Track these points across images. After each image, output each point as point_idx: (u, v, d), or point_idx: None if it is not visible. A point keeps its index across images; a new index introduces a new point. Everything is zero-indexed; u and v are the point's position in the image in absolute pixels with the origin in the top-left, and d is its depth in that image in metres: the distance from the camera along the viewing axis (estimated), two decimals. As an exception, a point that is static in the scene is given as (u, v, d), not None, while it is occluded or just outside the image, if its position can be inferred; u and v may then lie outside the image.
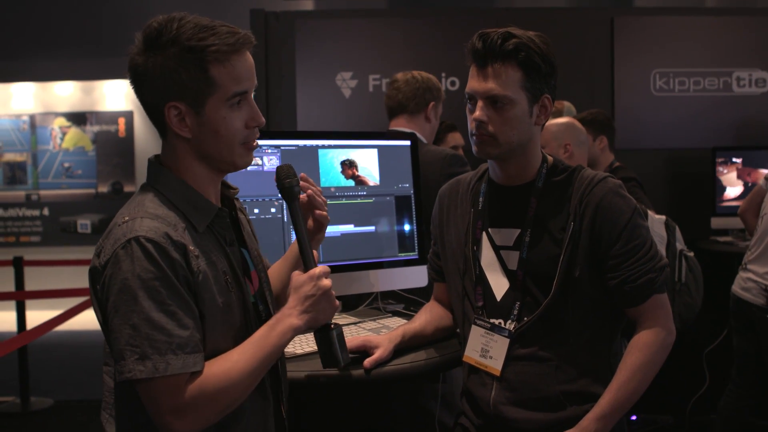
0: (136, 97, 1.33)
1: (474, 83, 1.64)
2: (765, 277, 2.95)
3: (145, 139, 7.60)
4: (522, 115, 1.63)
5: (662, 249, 2.68)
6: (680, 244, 2.76)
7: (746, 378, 3.13)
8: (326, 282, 1.37)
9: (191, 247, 1.26)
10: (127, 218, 1.25)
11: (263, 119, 1.36)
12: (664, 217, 2.77)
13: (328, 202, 2.08)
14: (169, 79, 1.26)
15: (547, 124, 2.85)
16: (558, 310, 1.63)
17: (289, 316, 1.34)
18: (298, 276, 1.38)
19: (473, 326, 1.72)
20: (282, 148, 2.06)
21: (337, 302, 1.41)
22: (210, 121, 1.29)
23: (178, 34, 1.25)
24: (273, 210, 2.03)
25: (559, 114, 3.40)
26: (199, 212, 1.32)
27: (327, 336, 1.40)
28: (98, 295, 1.25)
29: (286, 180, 1.47)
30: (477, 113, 1.63)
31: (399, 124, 2.84)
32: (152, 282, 1.19)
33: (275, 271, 1.67)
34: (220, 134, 1.30)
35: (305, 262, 1.43)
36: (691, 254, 2.78)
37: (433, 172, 2.51)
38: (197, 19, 1.27)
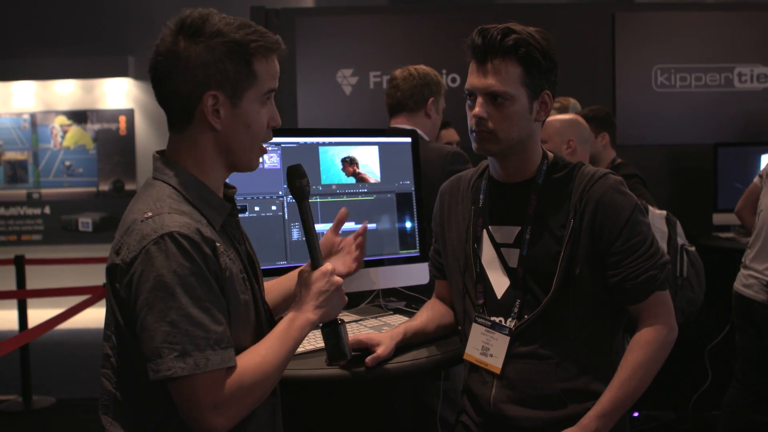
0: (160, 86, 1.31)
1: (473, 79, 1.63)
2: (765, 273, 2.96)
3: (146, 137, 7.60)
4: (522, 111, 1.62)
5: (663, 244, 2.67)
6: (681, 239, 2.76)
7: (750, 375, 3.13)
8: (338, 278, 1.42)
9: (218, 244, 1.27)
10: (150, 213, 1.24)
11: (280, 121, 1.39)
12: (665, 213, 2.77)
13: (330, 200, 2.10)
14: (212, 68, 1.27)
15: (550, 119, 2.86)
16: (558, 308, 1.62)
17: (305, 311, 1.38)
18: (309, 272, 1.42)
19: (474, 324, 1.72)
20: (282, 145, 2.06)
21: (346, 298, 1.45)
22: (244, 114, 1.31)
23: (222, 26, 1.28)
24: (274, 208, 2.03)
25: (565, 110, 3.39)
26: (213, 210, 1.33)
27: (336, 331, 1.44)
28: (120, 293, 1.24)
29: (297, 181, 1.50)
30: (477, 109, 1.62)
31: (399, 122, 2.83)
32: (188, 278, 1.19)
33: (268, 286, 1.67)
34: (251, 128, 1.33)
35: (314, 258, 1.46)
36: (693, 249, 2.78)
37: (435, 169, 2.50)
38: (231, 17, 1.31)
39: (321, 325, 1.44)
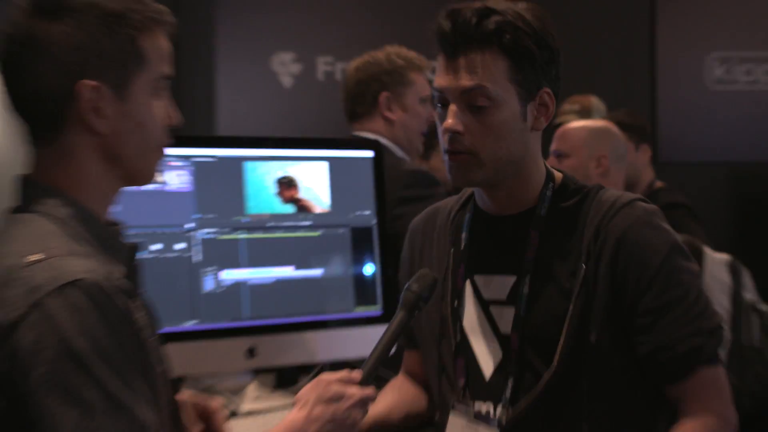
0: (15, 85, 1.33)
1: (442, 79, 1.62)
2: None
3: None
4: (511, 118, 1.61)
5: (725, 299, 2.71)
6: (750, 294, 2.79)
7: None
8: (364, 411, 1.51)
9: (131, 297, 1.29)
10: (40, 256, 1.23)
11: (180, 118, 1.43)
12: (726, 257, 2.79)
13: (259, 236, 2.12)
14: (86, 50, 1.30)
15: (574, 126, 2.83)
16: (566, 390, 1.61)
17: (307, 429, 1.45)
18: (344, 384, 1.49)
19: (452, 413, 1.71)
20: (194, 159, 2.07)
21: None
22: (135, 108, 1.34)
23: None
24: (180, 246, 2.03)
25: (587, 114, 3.27)
26: (113, 250, 1.35)
27: None
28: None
29: (420, 302, 1.58)
30: (449, 121, 1.60)
31: (359, 130, 2.85)
32: (104, 341, 1.19)
33: None
34: (145, 126, 1.36)
35: (365, 374, 1.52)
36: (766, 308, 2.82)
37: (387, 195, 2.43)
38: None
39: None
